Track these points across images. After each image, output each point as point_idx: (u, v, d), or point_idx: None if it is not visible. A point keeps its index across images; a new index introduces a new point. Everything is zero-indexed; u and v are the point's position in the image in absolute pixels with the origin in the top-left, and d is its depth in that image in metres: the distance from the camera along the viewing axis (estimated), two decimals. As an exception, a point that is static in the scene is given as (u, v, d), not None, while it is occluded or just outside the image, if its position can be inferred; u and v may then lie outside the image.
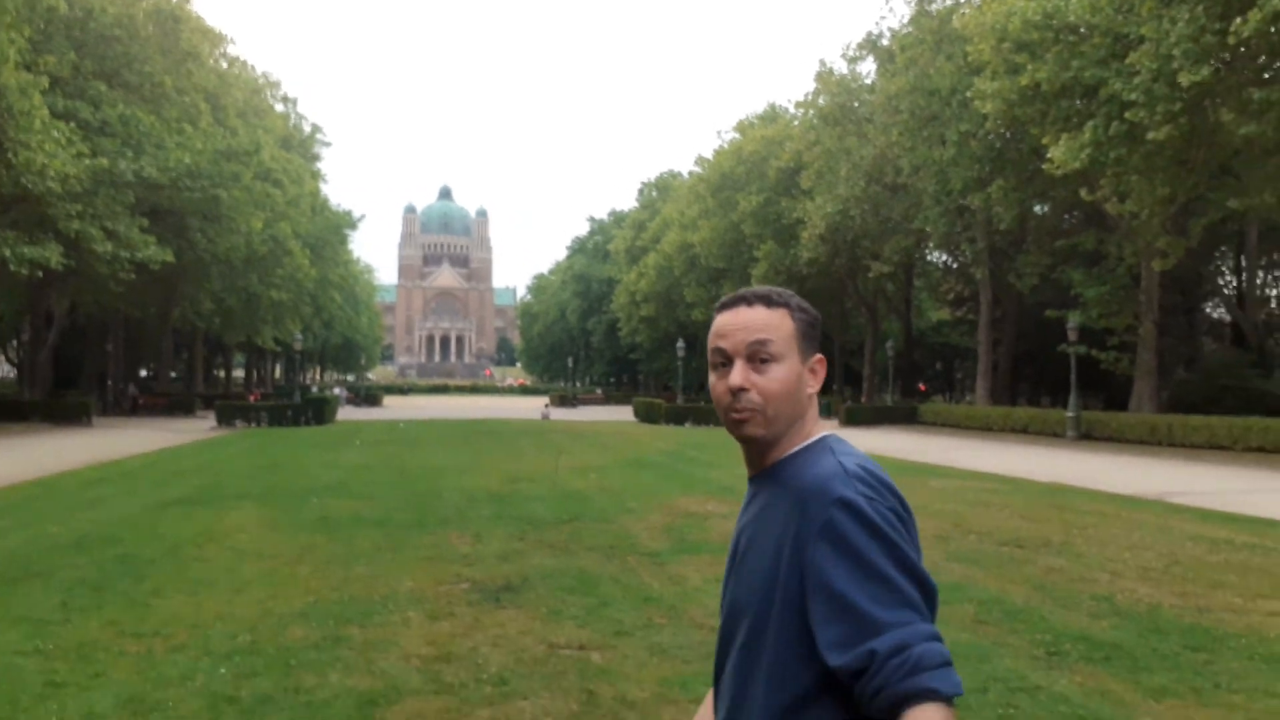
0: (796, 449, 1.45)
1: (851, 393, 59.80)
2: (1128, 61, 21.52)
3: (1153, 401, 32.05)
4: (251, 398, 48.74)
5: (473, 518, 10.99)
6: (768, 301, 1.49)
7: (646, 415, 43.53)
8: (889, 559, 1.28)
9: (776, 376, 1.43)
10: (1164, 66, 20.75)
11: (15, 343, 54.60)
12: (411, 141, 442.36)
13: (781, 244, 49.20)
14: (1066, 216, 38.14)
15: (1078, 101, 25.38)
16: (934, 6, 38.36)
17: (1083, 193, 25.37)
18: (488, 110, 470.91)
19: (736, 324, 1.46)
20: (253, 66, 52.19)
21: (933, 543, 9.22)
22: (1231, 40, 19.13)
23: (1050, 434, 31.95)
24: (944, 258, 55.10)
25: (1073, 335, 31.74)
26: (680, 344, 50.08)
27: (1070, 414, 30.84)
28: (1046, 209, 36.44)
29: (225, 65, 45.60)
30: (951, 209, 38.04)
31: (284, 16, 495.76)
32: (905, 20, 42.26)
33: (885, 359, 54.80)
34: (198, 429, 33.85)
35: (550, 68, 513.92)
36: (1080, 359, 34.03)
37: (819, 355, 1.50)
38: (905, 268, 56.26)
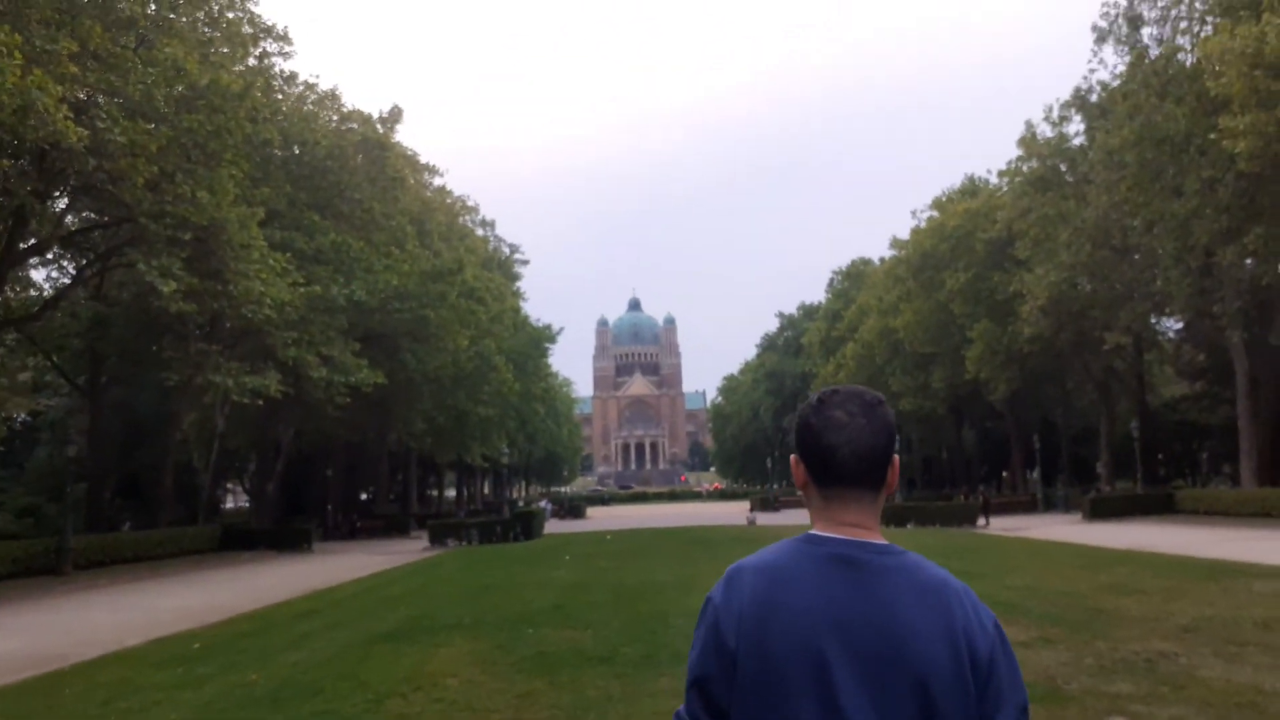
0: None
1: (1073, 481, 54.16)
2: None
3: None
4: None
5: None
6: None
7: (867, 516, 40.41)
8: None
9: None
10: None
11: (248, 473, 58.10)
12: (601, 255, 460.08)
13: (997, 321, 45.65)
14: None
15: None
16: (1154, 52, 35.10)
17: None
18: (673, 219, 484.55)
19: None
20: (452, 191, 54.76)
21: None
22: None
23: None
24: (1177, 326, 49.71)
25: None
26: (895, 439, 46.62)
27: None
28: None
29: (428, 193, 47.90)
30: (1195, 267, 33.88)
31: (480, 145, 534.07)
32: (1118, 70, 39.06)
33: (1130, 442, 49.39)
34: (411, 550, 33.93)
35: (731, 172, 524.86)
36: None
37: (794, 454, 1.62)
38: (1135, 339, 51.16)
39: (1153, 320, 46.96)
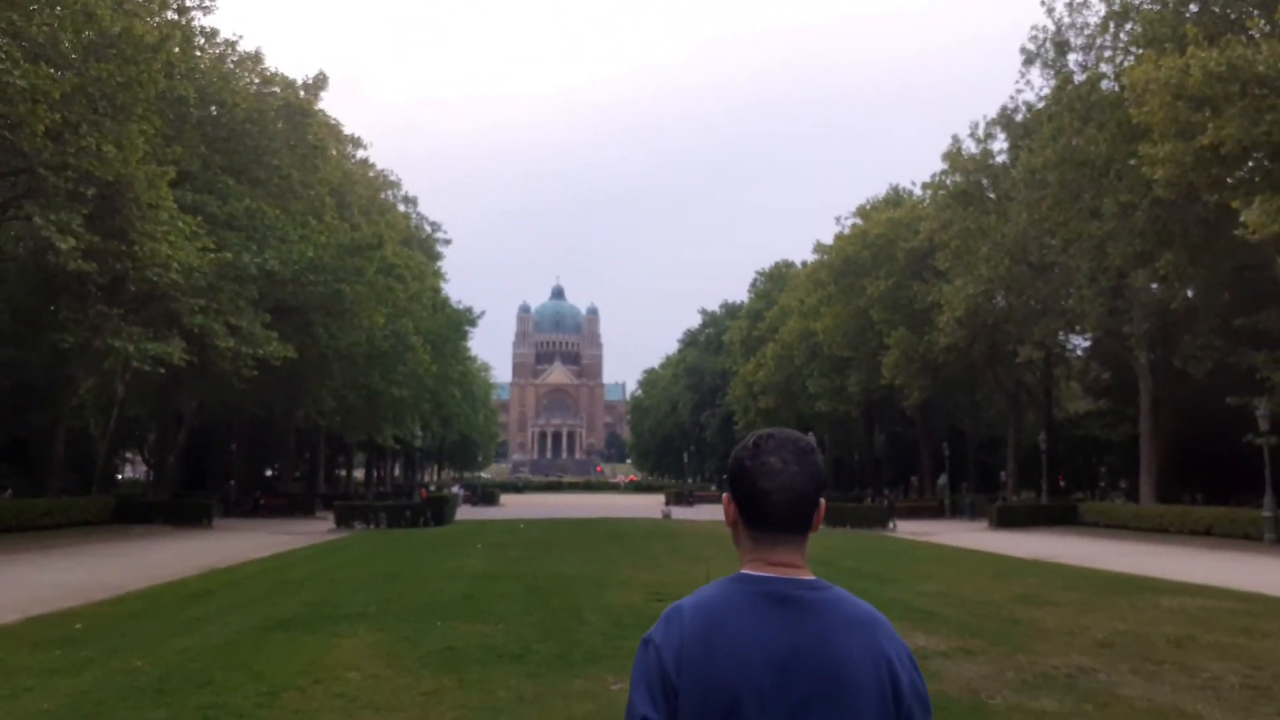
0: None
1: (978, 489, 55.59)
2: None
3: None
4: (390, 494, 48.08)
5: (627, 651, 8.90)
6: None
7: (777, 514, 40.71)
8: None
9: None
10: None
11: (147, 444, 55.79)
12: (524, 241, 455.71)
13: (914, 330, 46.44)
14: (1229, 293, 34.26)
15: (1266, 161, 22.56)
16: (1079, 77, 36.00)
17: (1283, 260, 22.32)
18: (597, 208, 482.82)
19: None
20: (374, 165, 53.30)
21: (1254, 700, 6.74)
22: None
23: (1239, 536, 28.05)
24: (1085, 343, 51.35)
25: (1264, 424, 27.96)
26: (810, 437, 47.03)
27: (1267, 514, 26.91)
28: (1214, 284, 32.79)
29: (350, 164, 46.47)
30: (1108, 288, 34.92)
31: (398, 119, 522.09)
32: (1044, 93, 40.01)
33: (1035, 453, 50.84)
34: (316, 531, 32.91)
35: (655, 165, 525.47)
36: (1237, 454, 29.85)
37: (726, 494, 1.69)
38: (1045, 355, 52.68)
39: (1062, 337, 48.45)
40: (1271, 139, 20.89)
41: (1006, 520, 37.09)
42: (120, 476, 64.62)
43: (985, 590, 13.90)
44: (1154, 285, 32.97)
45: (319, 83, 36.53)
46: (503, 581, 15.08)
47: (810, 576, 1.63)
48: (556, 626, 10.37)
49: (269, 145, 31.74)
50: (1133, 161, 27.40)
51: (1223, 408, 37.10)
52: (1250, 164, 22.65)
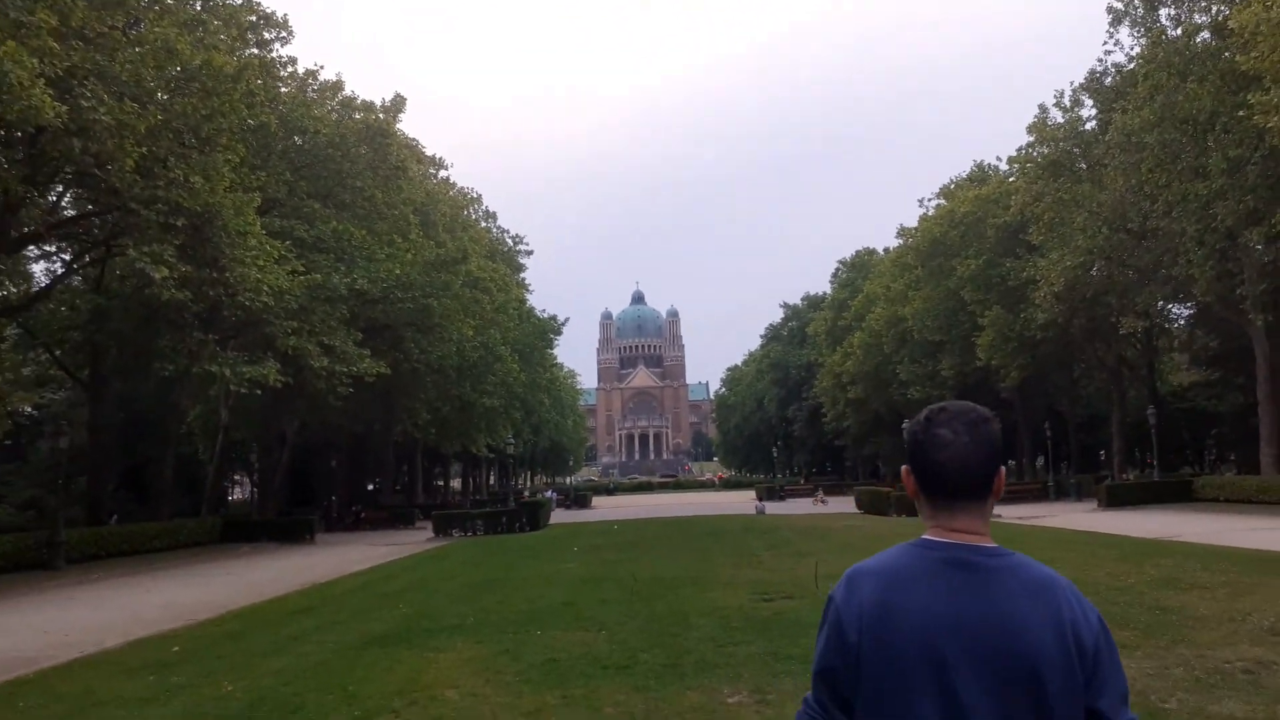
0: None
1: (1080, 469, 53.32)
2: None
3: None
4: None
5: (740, 658, 8.47)
6: None
7: (872, 505, 39.77)
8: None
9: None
10: None
11: (254, 465, 57.51)
12: (603, 249, 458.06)
13: (1008, 308, 44.77)
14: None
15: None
16: (1173, 32, 34.14)
17: None
18: (677, 211, 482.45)
19: None
20: (455, 183, 53.94)
21: None
22: None
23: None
24: (1188, 312, 48.82)
25: None
26: (906, 423, 45.72)
27: None
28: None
29: (432, 184, 47.08)
30: (1217, 250, 32.99)
31: (481, 138, 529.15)
32: (1135, 52, 38.12)
33: (1139, 429, 48.70)
34: (416, 541, 33.30)
35: (728, 163, 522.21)
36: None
37: (906, 466, 1.75)
38: (1147, 327, 50.31)
39: (1164, 307, 46.17)
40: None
41: (1116, 499, 35.41)
42: (230, 498, 66.80)
43: (1118, 574, 12.98)
44: (1268, 245, 31.00)
45: (397, 105, 37.01)
46: (602, 585, 14.78)
47: (991, 543, 1.67)
48: (662, 632, 9.98)
49: (352, 169, 32.26)
50: (1241, 113, 25.77)
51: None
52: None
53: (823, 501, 52.93)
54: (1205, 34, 32.07)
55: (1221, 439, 58.58)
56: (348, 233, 30.39)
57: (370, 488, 59.70)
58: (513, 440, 46.91)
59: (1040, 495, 46.35)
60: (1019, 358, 45.94)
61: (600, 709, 6.90)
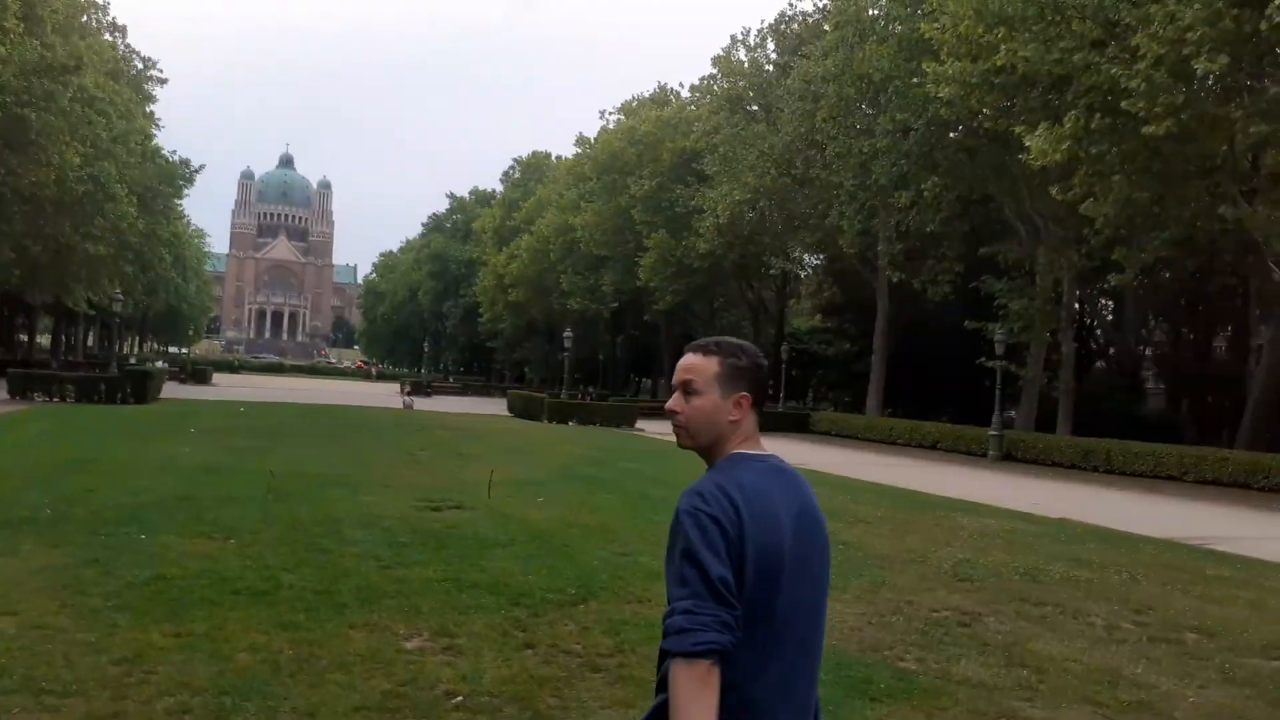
0: (714, 465, 1.91)
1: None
2: (1133, 43, 19.16)
3: (1068, 423, 30.63)
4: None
5: (414, 585, 6.84)
6: (704, 350, 1.96)
7: (525, 411, 39.27)
8: (683, 552, 1.73)
9: (695, 405, 1.92)
10: (1170, 53, 18.48)
11: None
12: (252, 99, 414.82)
13: (673, 234, 45.91)
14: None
15: (1050, 90, 23.06)
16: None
17: (1053, 190, 23.07)
18: (337, 76, 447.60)
19: (680, 365, 1.98)
20: (75, -20, 44.50)
21: (1179, 656, 5.91)
22: (1264, 27, 16.95)
23: (964, 451, 30.04)
24: (816, 261, 53.49)
25: (1000, 349, 29.72)
26: (568, 334, 45.72)
27: (993, 432, 28.79)
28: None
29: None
30: (867, 206, 35.71)
31: None
32: (822, 4, 39.83)
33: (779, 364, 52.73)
34: (-19, 401, 27.55)
35: (404, 39, 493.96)
36: (955, 377, 31.76)
37: (742, 393, 1.93)
38: (782, 273, 54.38)
39: (797, 254, 50.06)
40: (1061, 67, 21.22)
41: (744, 426, 37.87)
42: None
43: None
44: (906, 207, 33.95)
45: None
46: (229, 478, 12.27)
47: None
48: (310, 546, 8.00)
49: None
50: (915, 79, 27.46)
51: (942, 331, 39.89)
52: (1034, 91, 23.01)
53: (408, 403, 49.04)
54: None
55: (826, 379, 65.33)
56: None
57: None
58: (120, 297, 40.28)
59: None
60: (675, 283, 47.46)
61: (231, 656, 4.98)
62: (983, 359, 31.17)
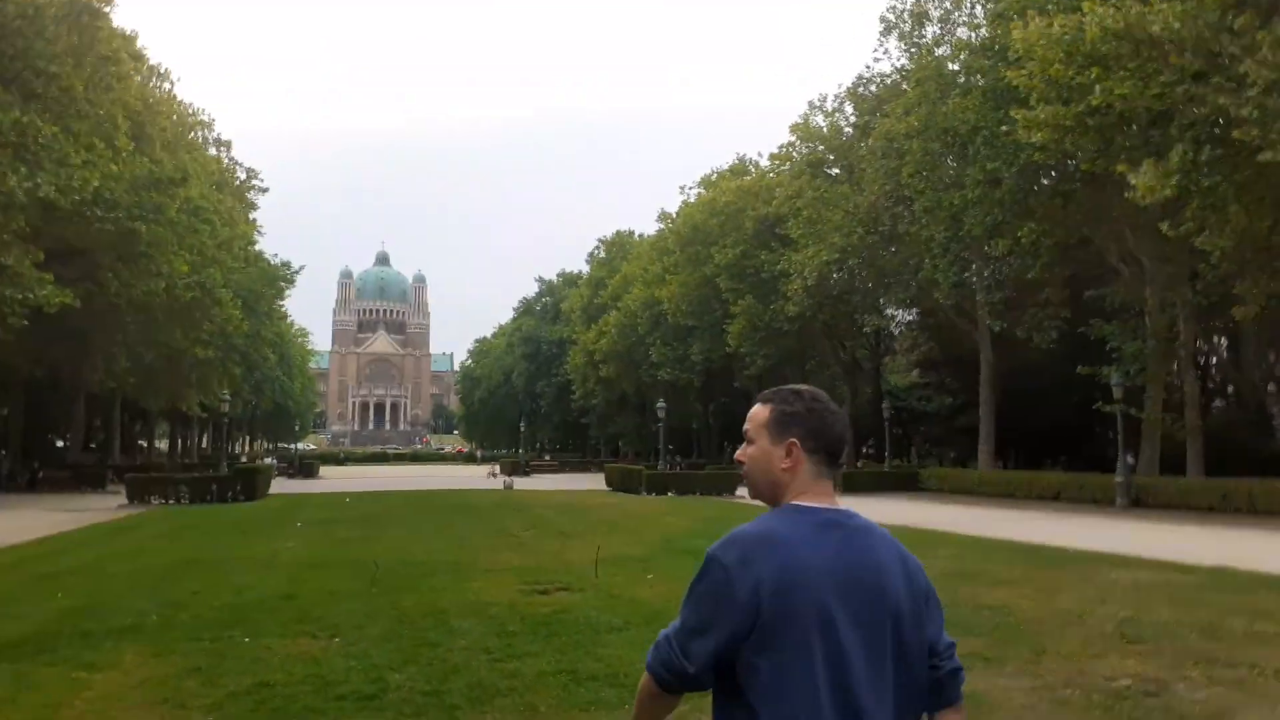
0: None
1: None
2: (1240, 71, 18.22)
3: (1199, 464, 28.72)
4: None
5: (528, 679, 6.39)
6: (763, 399, 2.00)
7: (623, 483, 38.86)
8: (691, 586, 1.84)
9: (749, 453, 1.97)
10: (1280, 79, 17.48)
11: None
12: (348, 204, 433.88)
13: (760, 299, 45.54)
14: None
15: (1150, 127, 22.14)
16: (941, 50, 35.62)
17: (1163, 227, 21.94)
18: (427, 174, 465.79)
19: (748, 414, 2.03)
20: (183, 100, 47.34)
21: None
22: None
23: (1089, 500, 28.50)
24: (909, 318, 52.24)
25: (1118, 393, 28.18)
26: (661, 405, 45.47)
27: (1119, 479, 27.22)
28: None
29: (154, 95, 40.64)
30: (961, 257, 34.80)
31: (215, 54, 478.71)
32: (900, 64, 39.52)
33: (863, 423, 51.37)
34: (105, 507, 28.41)
35: (489, 133, 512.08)
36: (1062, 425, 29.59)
37: (791, 439, 1.90)
38: (875, 331, 53.26)
39: (889, 312, 49.05)
40: (1161, 102, 20.34)
41: (851, 487, 36.53)
42: None
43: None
44: (1003, 255, 32.92)
45: (113, -15, 31.04)
46: (333, 571, 12.11)
47: (845, 507, 1.91)
48: (417, 640, 7.65)
49: (46, 49, 26.28)
50: (1004, 128, 26.80)
51: (1044, 378, 38.21)
52: (1133, 128, 22.12)
53: (494, 474, 50.42)
54: (965, 53, 33.50)
55: (928, 436, 63.36)
56: (34, 126, 24.76)
57: (61, 445, 51.77)
58: (227, 396, 41.54)
59: (775, 481, 47.67)
60: (765, 347, 46.95)
61: (337, 774, 4.60)
62: (1100, 403, 29.60)
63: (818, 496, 1.87)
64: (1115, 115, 22.12)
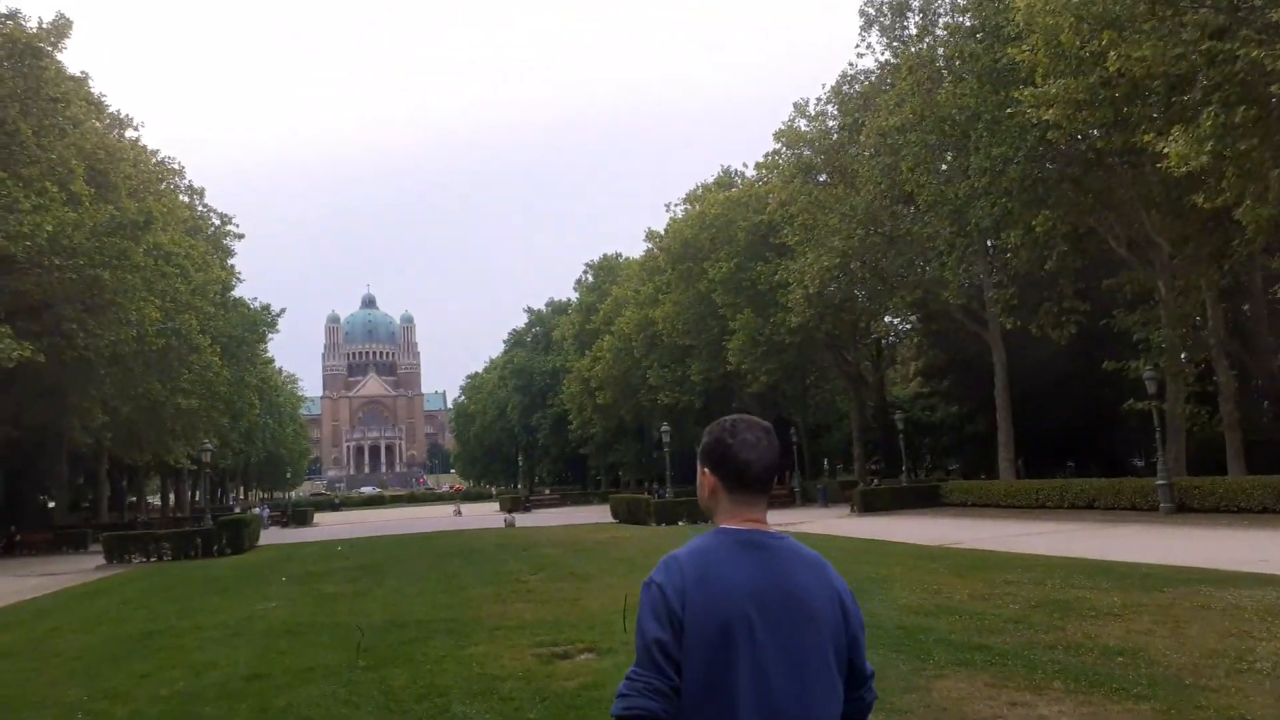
0: None
1: (811, 475, 54.19)
2: (1273, 19, 16.82)
3: (1240, 460, 26.99)
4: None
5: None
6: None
7: (629, 514, 37.06)
8: (638, 618, 1.89)
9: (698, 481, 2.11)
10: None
11: None
12: (329, 249, 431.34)
13: (759, 312, 43.89)
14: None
15: (1175, 90, 20.55)
16: (928, 38, 34.28)
17: (1198, 198, 20.41)
18: (411, 214, 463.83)
19: None
20: (149, 147, 45.82)
21: None
22: None
23: (1127, 507, 26.61)
24: (906, 325, 50.69)
25: (1151, 387, 26.51)
26: (665, 428, 43.65)
27: (1161, 482, 25.36)
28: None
29: (115, 144, 39.06)
30: (969, 252, 33.26)
31: (183, 102, 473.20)
32: (885, 58, 38.15)
33: (865, 438, 49.91)
34: (81, 569, 26.73)
35: (463, 167, 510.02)
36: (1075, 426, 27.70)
37: (704, 469, 2.04)
38: (876, 341, 51.74)
39: (890, 320, 47.49)
40: (1183, 64, 18.86)
41: (871, 505, 34.85)
42: None
43: (982, 597, 10.32)
44: (1016, 247, 31.37)
45: (61, 28, 29.44)
46: (313, 639, 10.32)
47: (773, 529, 1.98)
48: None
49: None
50: (1009, 110, 25.35)
51: (1055, 377, 36.50)
52: (1151, 97, 20.66)
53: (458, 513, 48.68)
54: (958, 36, 32.15)
55: (935, 447, 61.59)
56: (-24, 170, 23.22)
57: (51, 505, 49.81)
58: (211, 446, 39.68)
59: (789, 501, 46.04)
60: (767, 363, 45.25)
61: None
62: (1130, 401, 27.95)
63: (742, 520, 1.97)
64: (1131, 83, 20.68)
